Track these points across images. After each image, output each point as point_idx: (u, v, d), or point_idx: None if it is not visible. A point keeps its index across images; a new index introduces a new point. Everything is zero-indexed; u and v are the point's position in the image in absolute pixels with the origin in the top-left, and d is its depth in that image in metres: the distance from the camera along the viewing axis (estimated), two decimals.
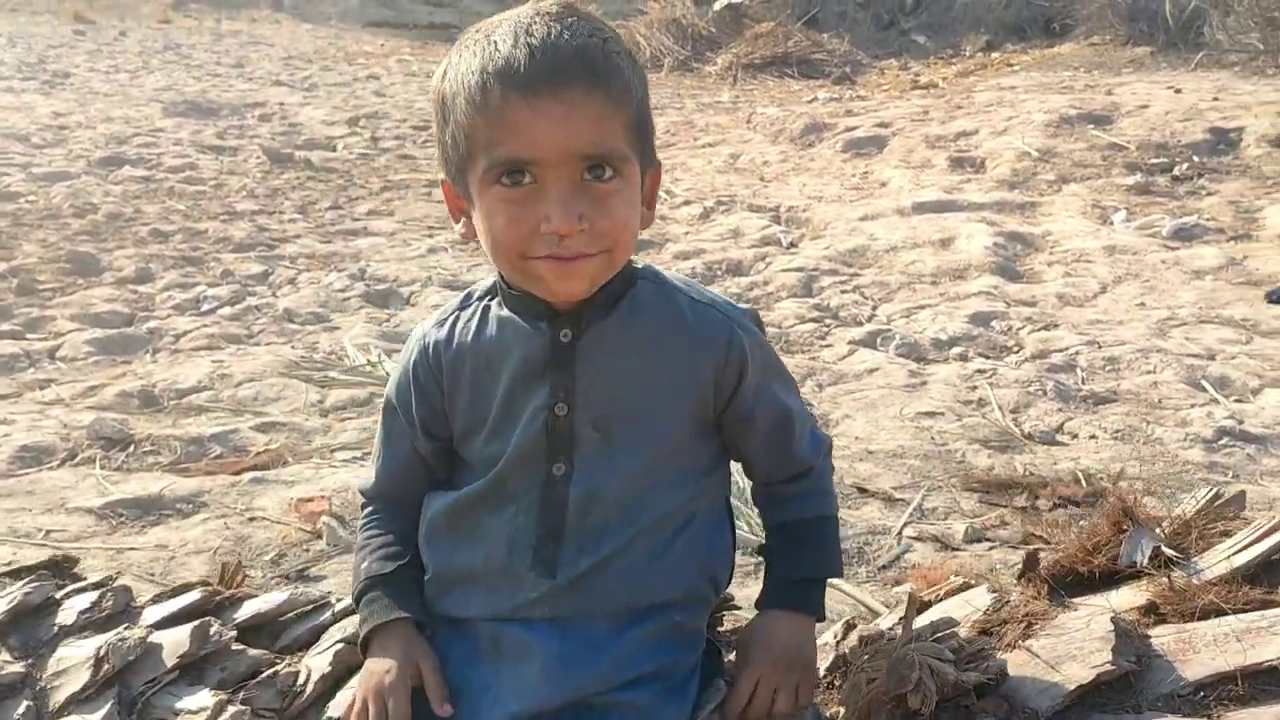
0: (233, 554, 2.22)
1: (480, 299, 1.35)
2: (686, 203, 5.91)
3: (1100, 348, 3.53)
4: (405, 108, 9.34)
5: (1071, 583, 1.63)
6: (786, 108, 8.86)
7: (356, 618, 1.30)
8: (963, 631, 1.39)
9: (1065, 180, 5.69)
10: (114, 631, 1.10)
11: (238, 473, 2.62)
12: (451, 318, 1.36)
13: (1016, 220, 5.11)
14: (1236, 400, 3.11)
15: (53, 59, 11.74)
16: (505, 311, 1.30)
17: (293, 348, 3.68)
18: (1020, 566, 1.72)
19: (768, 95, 10.87)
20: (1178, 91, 7.16)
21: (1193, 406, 3.04)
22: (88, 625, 1.15)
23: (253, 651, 1.11)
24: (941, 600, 1.54)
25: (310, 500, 2.37)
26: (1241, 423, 2.89)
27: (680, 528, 1.30)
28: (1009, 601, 1.52)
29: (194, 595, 1.21)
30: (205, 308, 4.09)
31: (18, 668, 1.09)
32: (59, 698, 1.06)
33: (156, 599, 1.22)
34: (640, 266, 1.32)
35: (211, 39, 15.10)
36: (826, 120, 7.31)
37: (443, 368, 1.33)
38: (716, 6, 14.35)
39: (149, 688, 1.05)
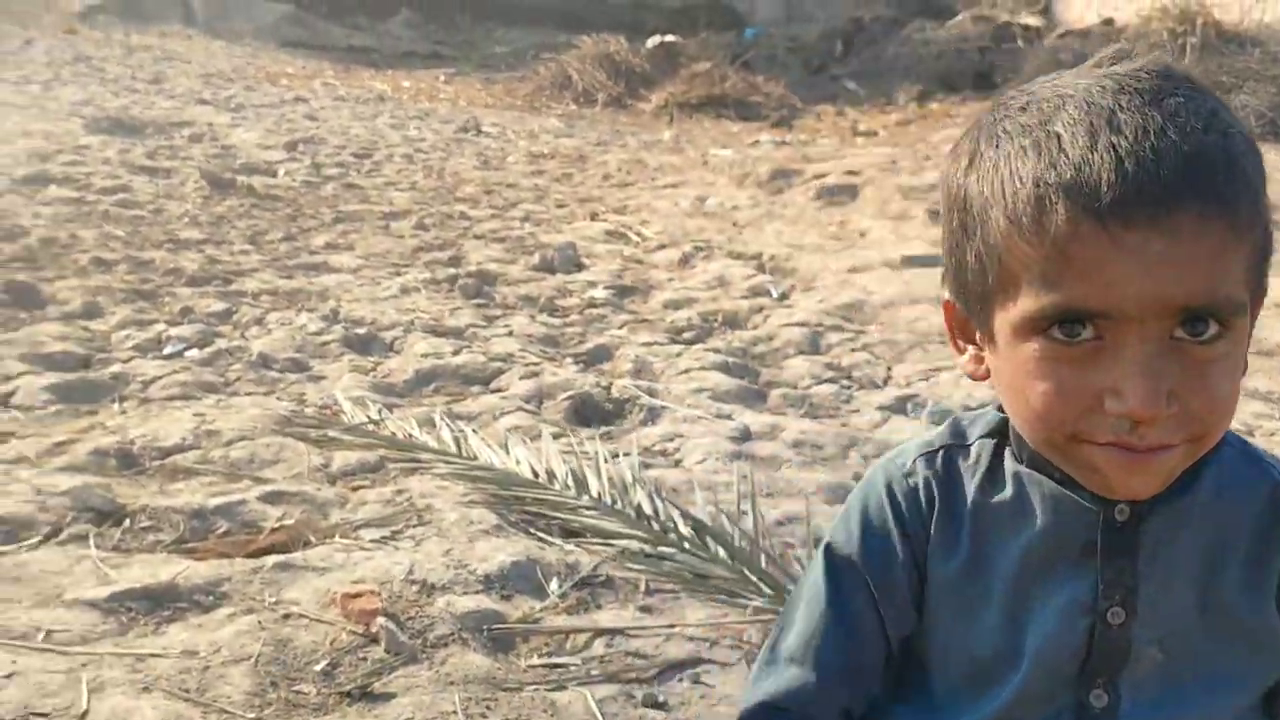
0: (276, 662, 1.89)
1: (982, 438, 0.98)
2: (661, 246, 5.68)
3: None
4: (342, 133, 8.95)
5: None
6: (741, 151, 8.74)
7: None
8: None
9: None
10: None
11: (254, 554, 2.29)
12: (941, 452, 0.98)
13: None
14: None
15: None
16: (1025, 468, 0.94)
17: (278, 399, 3.33)
18: None
19: (707, 135, 10.75)
20: None
21: None
22: None
23: None
24: None
25: (358, 596, 2.05)
26: None
27: None
28: None
29: None
30: (169, 350, 3.70)
31: None
32: None
33: None
34: None
35: (122, 52, 14.43)
36: (793, 166, 7.19)
37: (935, 513, 0.96)
38: (650, 44, 14.26)
39: None
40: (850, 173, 6.71)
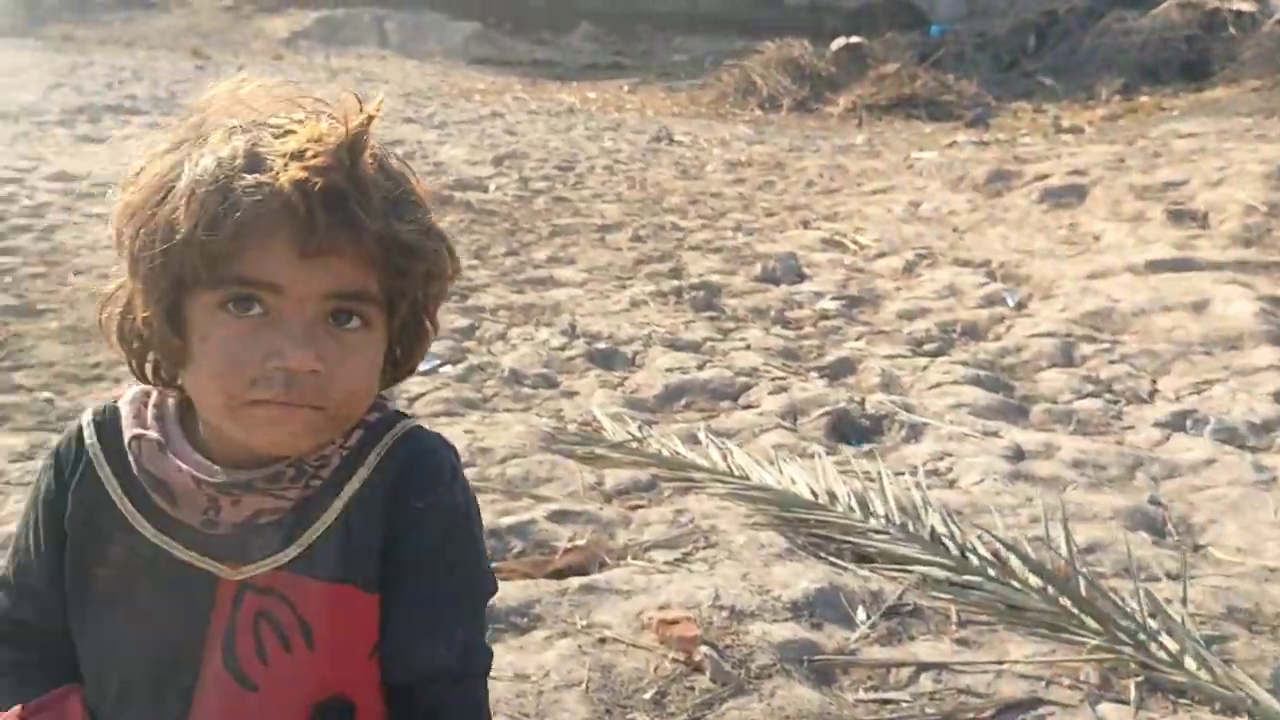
0: (605, 689, 1.89)
1: None
2: (881, 255, 5.55)
3: None
4: (542, 146, 9.12)
5: None
6: (941, 152, 8.50)
7: None
8: None
9: None
10: None
11: (554, 575, 2.30)
12: None
13: (1269, 282, 4.68)
14: None
15: (181, 93, 11.73)
16: None
17: (537, 415, 3.37)
18: None
19: (900, 137, 10.52)
20: None
21: None
22: None
23: None
24: None
25: (674, 623, 2.03)
26: None
27: None
28: None
29: None
30: (425, 366, 3.78)
31: None
32: None
33: None
34: None
35: (326, 75, 15.11)
36: (1009, 167, 6.93)
37: None
38: (835, 46, 14.06)
39: None
40: (1075, 173, 6.42)
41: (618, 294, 4.83)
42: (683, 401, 3.56)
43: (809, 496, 2.65)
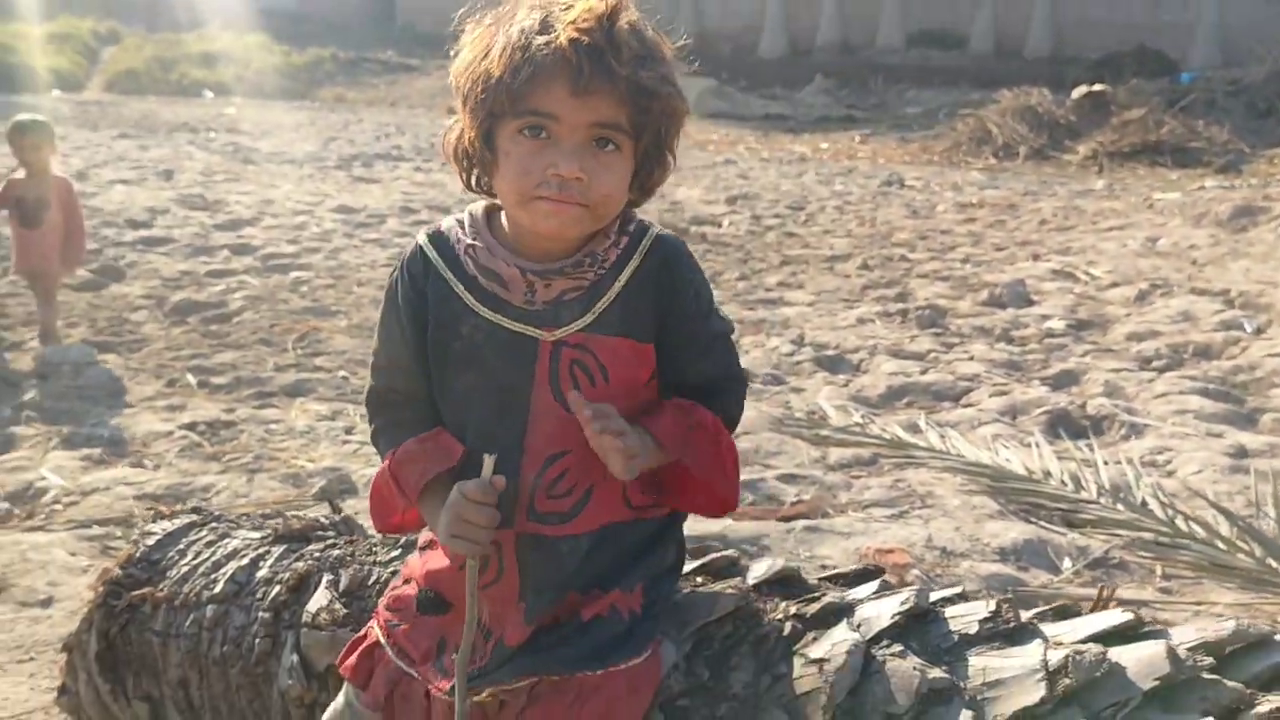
0: None
1: None
2: (1113, 285, 5.55)
3: None
4: (773, 189, 9.46)
5: None
6: (1190, 194, 8.30)
7: None
8: None
9: None
10: (1067, 647, 1.00)
11: (785, 519, 2.57)
12: None
13: None
14: None
15: (438, 144, 12.76)
16: None
17: (765, 405, 3.65)
18: None
19: (1142, 183, 10.26)
20: None
21: None
22: (994, 636, 1.06)
23: (1231, 684, 0.97)
24: None
25: (890, 551, 2.26)
26: None
27: None
28: None
29: (1115, 617, 1.08)
30: None
31: (939, 673, 1.01)
32: (1003, 709, 0.97)
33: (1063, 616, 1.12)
34: None
35: None
36: (1259, 204, 6.74)
37: None
38: (1076, 94, 13.82)
39: (1114, 710, 0.94)
40: None
41: (845, 312, 5.07)
42: (904, 400, 3.76)
43: (1022, 472, 2.82)
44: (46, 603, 2.02)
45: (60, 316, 4.47)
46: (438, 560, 1.23)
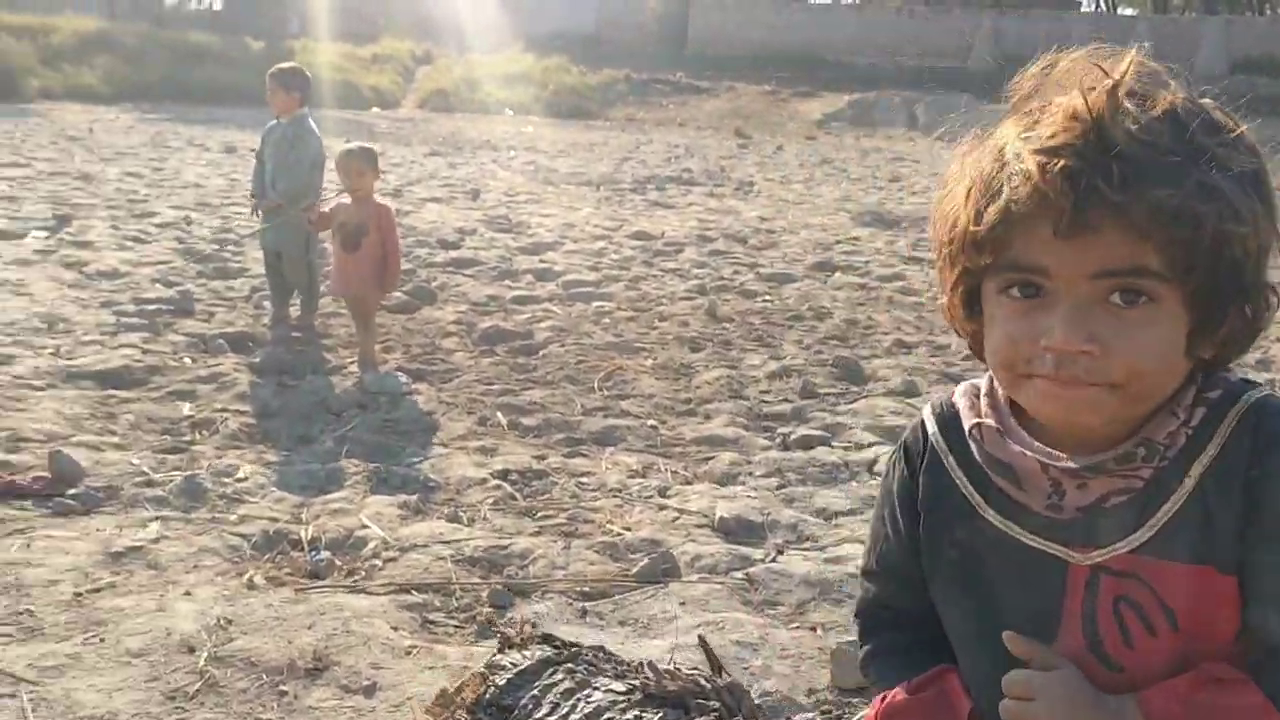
0: None
1: None
2: None
3: None
4: None
5: None
6: None
7: None
8: None
9: None
10: None
11: None
12: None
13: None
14: None
15: (730, 168, 12.69)
16: None
17: None
18: None
19: None
20: None
21: None
22: None
23: None
24: None
25: None
26: None
27: None
28: None
29: None
30: None
31: None
32: None
33: None
34: None
35: (857, 154, 15.62)
36: None
37: None
38: None
39: None
40: None
41: None
42: None
43: None
44: (370, 690, 1.90)
45: (377, 340, 4.55)
46: None
